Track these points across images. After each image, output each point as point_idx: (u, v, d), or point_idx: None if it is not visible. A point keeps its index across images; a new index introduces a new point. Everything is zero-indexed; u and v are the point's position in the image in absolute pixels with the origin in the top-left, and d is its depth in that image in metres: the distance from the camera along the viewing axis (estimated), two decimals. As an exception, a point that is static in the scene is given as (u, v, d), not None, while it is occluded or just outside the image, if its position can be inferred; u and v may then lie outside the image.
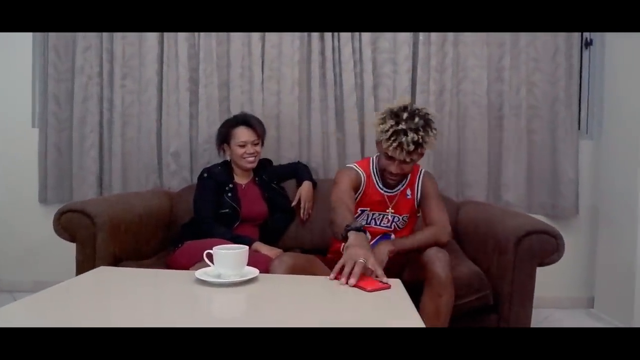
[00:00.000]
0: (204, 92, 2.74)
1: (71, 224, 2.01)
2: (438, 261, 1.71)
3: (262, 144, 2.43)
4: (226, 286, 1.33)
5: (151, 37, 2.74)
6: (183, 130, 2.76)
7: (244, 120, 2.39)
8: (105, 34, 2.75)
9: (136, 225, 2.23)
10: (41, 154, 2.85)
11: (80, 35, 2.76)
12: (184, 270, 1.65)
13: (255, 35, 2.72)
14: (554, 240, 1.90)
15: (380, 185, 2.02)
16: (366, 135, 2.77)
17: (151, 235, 2.36)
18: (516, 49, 2.77)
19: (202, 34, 2.74)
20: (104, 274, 1.55)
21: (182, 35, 2.72)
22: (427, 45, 2.74)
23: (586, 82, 2.93)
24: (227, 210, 2.28)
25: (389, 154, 1.84)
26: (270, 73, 2.76)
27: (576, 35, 2.78)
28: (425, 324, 1.12)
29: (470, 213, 2.46)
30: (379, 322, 1.14)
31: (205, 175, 2.34)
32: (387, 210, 2.02)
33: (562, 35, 2.75)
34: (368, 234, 2.00)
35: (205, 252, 1.41)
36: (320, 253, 2.07)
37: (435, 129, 1.85)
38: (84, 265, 1.98)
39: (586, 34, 2.90)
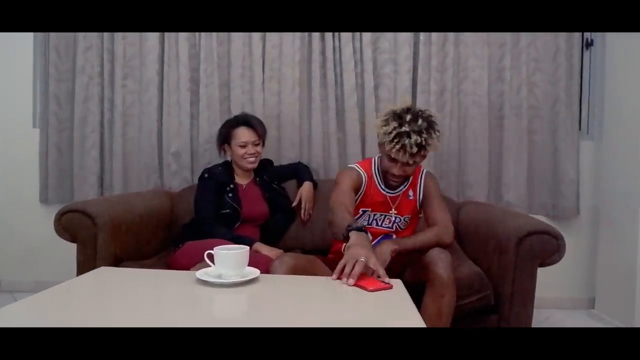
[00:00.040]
0: (204, 92, 2.74)
1: (72, 224, 2.01)
2: (440, 262, 1.71)
3: (263, 145, 2.43)
4: (227, 286, 1.33)
5: (152, 37, 2.74)
6: (184, 130, 2.76)
7: (245, 120, 2.39)
8: (106, 34, 2.75)
9: (137, 226, 2.23)
10: (42, 154, 2.85)
11: (81, 35, 2.76)
12: (184, 271, 1.65)
13: (256, 35, 2.72)
14: (555, 240, 1.90)
15: (383, 186, 2.02)
16: (367, 136, 2.77)
17: (152, 236, 2.36)
18: (517, 49, 2.77)
19: (202, 34, 2.74)
20: (105, 274, 1.55)
21: (183, 35, 2.73)
22: (428, 46, 2.74)
23: (587, 82, 2.93)
24: (227, 210, 2.28)
25: (392, 156, 1.83)
26: (271, 73, 2.76)
27: (577, 35, 2.78)
28: (427, 324, 1.12)
29: (471, 213, 2.46)
30: (380, 323, 1.14)
31: (206, 175, 2.34)
32: (391, 212, 2.02)
33: (562, 36, 2.75)
34: (369, 234, 2.01)
35: (206, 252, 1.41)
36: (321, 253, 2.06)
37: (438, 131, 1.84)
38: (84, 265, 1.98)
39: (587, 34, 2.90)
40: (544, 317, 2.72)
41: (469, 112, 2.78)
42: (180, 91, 2.75)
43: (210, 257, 1.40)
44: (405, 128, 1.77)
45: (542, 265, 1.93)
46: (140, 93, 2.78)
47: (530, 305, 1.94)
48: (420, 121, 1.79)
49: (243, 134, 2.34)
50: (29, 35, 2.90)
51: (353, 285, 1.36)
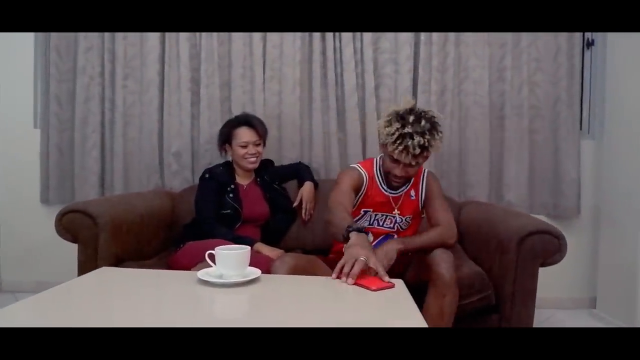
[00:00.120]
0: (205, 93, 2.74)
1: (73, 224, 2.01)
2: (443, 262, 1.71)
3: (264, 145, 2.43)
4: (228, 286, 1.33)
5: (153, 37, 2.74)
6: (184, 131, 2.76)
7: (246, 120, 2.39)
8: (106, 34, 2.75)
9: (138, 226, 2.23)
10: (43, 155, 2.85)
11: (81, 35, 2.76)
12: (186, 271, 1.65)
13: (257, 36, 2.72)
14: (557, 240, 1.89)
15: (384, 187, 2.02)
16: (368, 136, 2.77)
17: (153, 236, 2.36)
18: (517, 49, 2.76)
19: (203, 34, 2.74)
20: (106, 275, 1.55)
21: (183, 36, 2.73)
22: (429, 46, 2.74)
23: (588, 82, 2.92)
24: (228, 210, 2.28)
25: (395, 157, 1.83)
26: (271, 73, 2.76)
27: (578, 35, 2.77)
28: (429, 324, 1.11)
29: (472, 213, 2.46)
30: (381, 323, 1.14)
31: (207, 175, 2.34)
32: (394, 212, 2.02)
33: (563, 36, 2.74)
34: (370, 235, 2.01)
35: (207, 252, 1.41)
36: (322, 253, 2.06)
37: (441, 132, 1.83)
38: (86, 265, 1.98)
39: (588, 34, 2.90)
40: (545, 316, 2.72)
41: (470, 112, 2.77)
42: (181, 91, 2.75)
43: (212, 257, 1.40)
44: (408, 129, 1.76)
45: (543, 265, 1.93)
46: (141, 93, 2.78)
47: (531, 305, 1.94)
48: (423, 122, 1.79)
49: (244, 134, 2.34)
50: (30, 36, 2.90)
51: (356, 285, 1.36)
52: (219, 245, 1.42)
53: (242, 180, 2.41)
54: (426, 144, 1.77)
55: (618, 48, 2.70)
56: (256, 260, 1.53)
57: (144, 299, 1.29)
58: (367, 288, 1.33)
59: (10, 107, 2.94)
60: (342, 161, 2.76)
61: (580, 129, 2.88)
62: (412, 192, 2.03)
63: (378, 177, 2.03)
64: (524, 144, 2.78)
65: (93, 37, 2.76)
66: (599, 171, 2.85)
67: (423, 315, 1.18)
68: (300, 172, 2.58)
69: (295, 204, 2.48)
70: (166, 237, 2.46)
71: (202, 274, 1.38)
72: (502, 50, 2.77)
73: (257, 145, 2.37)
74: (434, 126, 1.81)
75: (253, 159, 2.35)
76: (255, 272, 1.41)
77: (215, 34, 2.73)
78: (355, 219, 2.01)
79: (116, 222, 2.06)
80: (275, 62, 2.75)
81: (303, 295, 1.35)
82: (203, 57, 2.74)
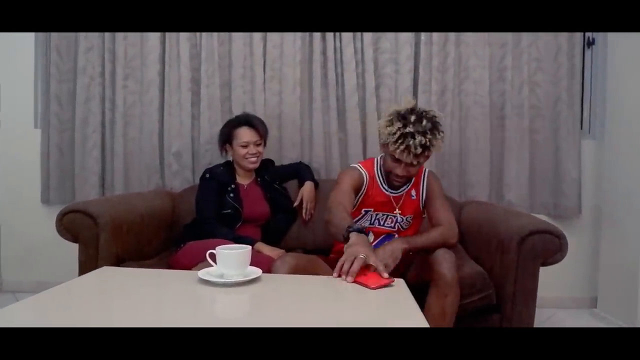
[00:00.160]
0: (205, 93, 2.74)
1: (74, 224, 2.01)
2: (445, 262, 1.71)
3: (265, 145, 2.43)
4: (229, 286, 1.33)
5: (153, 38, 2.74)
6: (185, 131, 2.76)
7: (247, 120, 2.39)
8: (107, 34, 2.75)
9: (138, 226, 2.23)
10: (43, 155, 2.85)
11: (82, 35, 2.76)
12: (186, 270, 1.65)
13: (257, 36, 2.72)
14: (557, 240, 1.89)
15: (385, 186, 2.02)
16: (368, 136, 2.77)
17: (153, 236, 2.36)
18: (518, 48, 2.76)
19: (203, 34, 2.74)
20: (107, 275, 1.54)
21: (183, 36, 2.73)
22: (429, 45, 2.74)
23: (588, 81, 2.92)
24: (229, 210, 2.28)
25: (396, 156, 1.83)
26: (272, 73, 2.76)
27: (578, 35, 2.77)
28: (430, 324, 1.12)
29: (473, 213, 2.46)
30: (382, 322, 1.14)
31: (207, 175, 2.34)
32: (395, 212, 2.02)
33: (564, 35, 2.74)
34: (371, 234, 2.01)
35: (208, 252, 1.41)
36: (323, 253, 2.06)
37: (442, 132, 1.84)
38: (86, 265, 1.98)
39: (588, 34, 2.89)
40: (546, 316, 2.72)
41: (471, 112, 2.77)
42: (182, 91, 2.75)
43: (212, 256, 1.40)
44: (410, 129, 1.77)
45: (544, 264, 1.93)
46: (142, 93, 2.78)
47: (532, 304, 1.94)
48: (424, 122, 1.79)
49: (245, 134, 2.34)
50: (30, 36, 2.90)
51: (355, 283, 1.36)
52: (219, 245, 1.42)
53: (243, 180, 2.41)
54: (427, 143, 1.78)
55: (619, 48, 2.70)
56: (257, 260, 1.53)
57: (145, 298, 1.29)
58: (367, 286, 1.33)
59: (10, 107, 2.94)
60: (343, 161, 2.75)
61: (581, 128, 2.88)
62: (413, 192, 2.03)
63: (379, 177, 2.03)
64: (524, 144, 2.78)
65: (93, 37, 2.76)
66: (600, 171, 2.85)
67: (424, 315, 1.18)
68: (300, 171, 2.58)
69: (295, 204, 2.48)
70: (167, 237, 2.46)
71: (203, 273, 1.38)
72: (502, 50, 2.77)
73: (258, 145, 2.37)
74: (435, 126, 1.81)
75: (254, 159, 2.35)
76: (256, 271, 1.41)
77: (215, 34, 2.73)
78: (356, 219, 2.01)
79: (117, 222, 2.06)
80: (275, 62, 2.75)
81: (304, 294, 1.35)
82: (203, 57, 2.74)
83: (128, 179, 2.80)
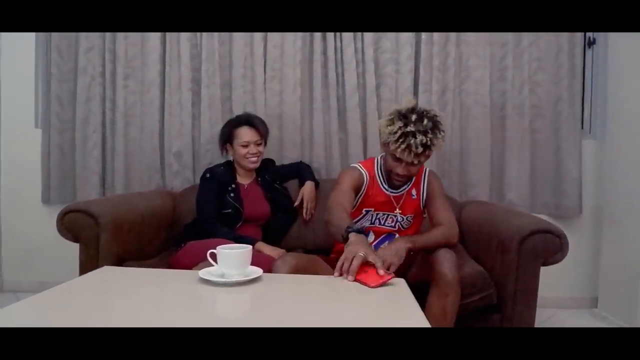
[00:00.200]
0: (206, 93, 2.74)
1: (74, 224, 2.01)
2: (446, 262, 1.72)
3: (265, 144, 2.43)
4: (230, 286, 1.33)
5: (154, 37, 2.74)
6: (185, 131, 2.76)
7: (247, 120, 2.39)
8: (107, 34, 2.75)
9: (139, 226, 2.23)
10: (44, 155, 2.85)
11: (82, 35, 2.76)
12: (187, 270, 1.65)
13: (258, 36, 2.72)
14: (558, 239, 1.89)
15: (386, 186, 2.02)
16: (369, 135, 2.77)
17: (154, 236, 2.36)
18: (519, 48, 2.76)
19: (204, 34, 2.74)
20: (108, 274, 1.55)
21: (184, 36, 2.73)
22: (430, 45, 2.73)
23: (589, 81, 2.92)
24: (229, 210, 2.28)
25: (397, 155, 1.83)
26: (272, 73, 2.76)
27: (579, 34, 2.76)
28: (431, 324, 1.12)
29: (474, 213, 2.46)
30: (383, 322, 1.14)
31: (208, 175, 2.34)
32: (395, 211, 2.02)
33: (565, 35, 2.74)
34: (372, 234, 2.01)
35: (209, 251, 1.41)
36: (323, 253, 2.06)
37: (443, 131, 1.84)
38: (87, 265, 1.98)
39: (589, 34, 2.89)
40: (547, 316, 2.71)
41: (471, 112, 2.77)
42: (182, 91, 2.75)
43: (213, 256, 1.40)
44: (411, 128, 1.77)
45: (545, 264, 1.93)
46: (142, 93, 2.78)
47: (533, 304, 1.94)
48: (425, 121, 1.79)
49: (245, 134, 2.34)
50: (31, 36, 2.90)
51: (356, 282, 1.37)
52: (220, 245, 1.42)
53: (243, 179, 2.41)
54: (428, 142, 1.78)
55: (619, 47, 2.70)
56: (257, 260, 1.53)
57: (146, 298, 1.29)
58: (367, 285, 1.34)
59: (11, 107, 2.94)
60: (343, 161, 2.75)
61: (582, 128, 2.88)
62: (414, 191, 2.04)
63: (379, 177, 2.03)
64: (525, 144, 2.78)
65: (94, 37, 2.76)
66: (601, 171, 2.84)
67: (425, 315, 1.18)
68: (301, 171, 2.58)
69: (296, 204, 2.48)
70: (167, 236, 2.46)
71: (204, 273, 1.38)
72: (503, 50, 2.76)
73: (259, 144, 2.37)
74: (436, 125, 1.82)
75: (254, 159, 2.36)
76: (257, 271, 1.41)
77: (216, 34, 2.73)
78: (357, 219, 2.01)
79: (117, 222, 2.06)
80: (276, 62, 2.75)
81: (304, 294, 1.35)
82: (204, 57, 2.74)
83: (129, 178, 2.81)
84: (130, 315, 1.14)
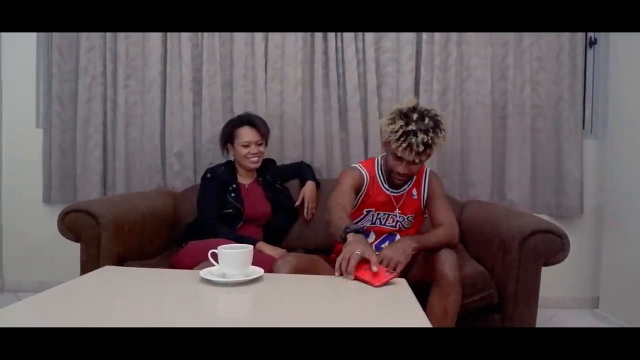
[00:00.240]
0: (207, 93, 2.75)
1: (75, 224, 2.01)
2: (447, 262, 1.72)
3: (266, 144, 2.43)
4: (231, 285, 1.33)
5: (154, 37, 2.74)
6: (186, 131, 2.77)
7: (248, 120, 2.39)
8: (108, 34, 2.75)
9: (140, 225, 2.23)
10: (45, 155, 2.86)
11: (83, 35, 2.76)
12: (188, 270, 1.65)
13: (259, 36, 2.72)
14: (559, 239, 1.89)
15: (386, 186, 2.02)
16: (370, 135, 2.76)
17: (155, 235, 2.36)
18: (520, 48, 2.76)
19: (205, 34, 2.74)
20: (108, 274, 1.54)
21: (185, 36, 2.73)
22: (431, 45, 2.73)
23: (590, 81, 2.91)
24: (230, 210, 2.28)
25: (398, 154, 1.84)
26: (273, 73, 2.76)
27: (580, 34, 2.76)
28: (433, 324, 1.12)
29: (475, 212, 2.45)
30: (384, 322, 1.14)
31: (209, 175, 2.34)
32: (395, 211, 2.02)
33: (566, 35, 2.74)
34: (373, 234, 2.01)
35: (210, 251, 1.41)
36: (324, 253, 2.06)
37: (444, 130, 1.84)
38: (88, 265, 1.98)
39: (590, 34, 2.89)
40: (548, 316, 2.71)
41: (472, 111, 2.77)
42: (183, 91, 2.75)
43: (214, 256, 1.40)
44: (412, 127, 1.77)
45: (546, 264, 1.93)
46: (143, 93, 2.79)
47: (534, 304, 1.94)
48: (426, 120, 1.80)
49: (246, 134, 2.34)
50: (32, 36, 2.90)
51: (359, 281, 1.37)
52: (221, 245, 1.42)
53: (244, 179, 2.41)
54: (430, 141, 1.78)
55: (621, 47, 2.69)
56: (258, 260, 1.53)
57: (146, 298, 1.29)
58: (370, 284, 1.34)
59: (12, 107, 2.94)
60: (344, 161, 2.75)
61: (583, 128, 2.87)
62: (414, 191, 2.04)
63: (379, 177, 2.03)
64: (526, 143, 2.78)
65: (95, 37, 2.76)
66: (602, 171, 2.84)
67: (426, 314, 1.18)
68: (302, 171, 2.58)
69: (297, 204, 2.48)
70: (168, 236, 2.46)
71: (205, 273, 1.38)
72: (504, 50, 2.76)
73: (259, 144, 2.37)
74: (437, 124, 1.82)
75: (255, 159, 2.36)
76: (258, 271, 1.41)
77: (217, 34, 2.73)
78: (357, 219, 2.01)
79: (118, 222, 2.06)
80: (277, 62, 2.75)
81: (305, 294, 1.35)
82: (205, 57, 2.74)
83: (129, 178, 2.81)
84: (131, 315, 1.14)
